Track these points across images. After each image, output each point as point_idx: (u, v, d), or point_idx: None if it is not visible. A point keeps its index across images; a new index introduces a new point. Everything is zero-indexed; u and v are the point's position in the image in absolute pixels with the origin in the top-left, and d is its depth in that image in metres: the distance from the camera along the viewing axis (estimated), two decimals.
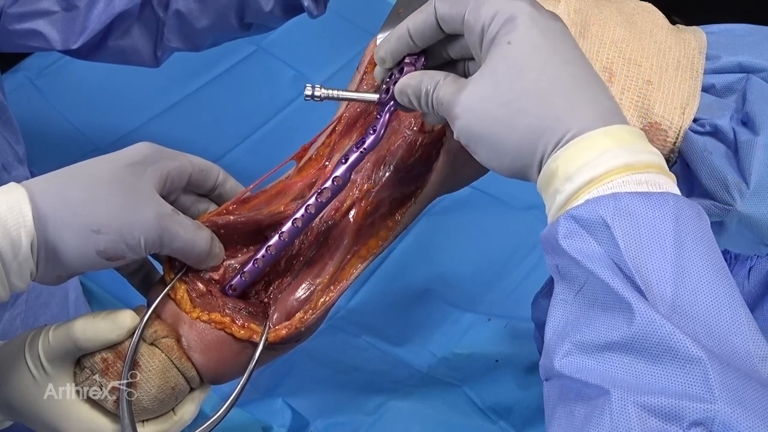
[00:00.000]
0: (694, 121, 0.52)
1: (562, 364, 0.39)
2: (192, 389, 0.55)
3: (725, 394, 0.34)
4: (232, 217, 0.57)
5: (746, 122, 0.51)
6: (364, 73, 0.58)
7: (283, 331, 0.56)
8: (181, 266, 0.56)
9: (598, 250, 0.39)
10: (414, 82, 0.49)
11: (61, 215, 0.48)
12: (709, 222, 0.41)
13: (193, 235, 0.53)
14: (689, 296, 0.37)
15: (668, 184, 0.41)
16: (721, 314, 0.37)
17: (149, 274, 0.60)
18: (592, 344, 0.38)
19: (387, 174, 0.58)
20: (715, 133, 0.51)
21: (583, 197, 0.41)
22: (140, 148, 0.54)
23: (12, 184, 0.49)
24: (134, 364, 0.52)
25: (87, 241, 0.49)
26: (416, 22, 0.50)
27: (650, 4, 0.57)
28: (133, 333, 0.53)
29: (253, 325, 0.55)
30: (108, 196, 0.50)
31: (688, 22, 0.57)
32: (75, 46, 0.80)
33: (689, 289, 0.37)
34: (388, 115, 0.53)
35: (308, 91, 0.53)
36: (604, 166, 0.41)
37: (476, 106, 0.45)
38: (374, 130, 0.53)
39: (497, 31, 0.45)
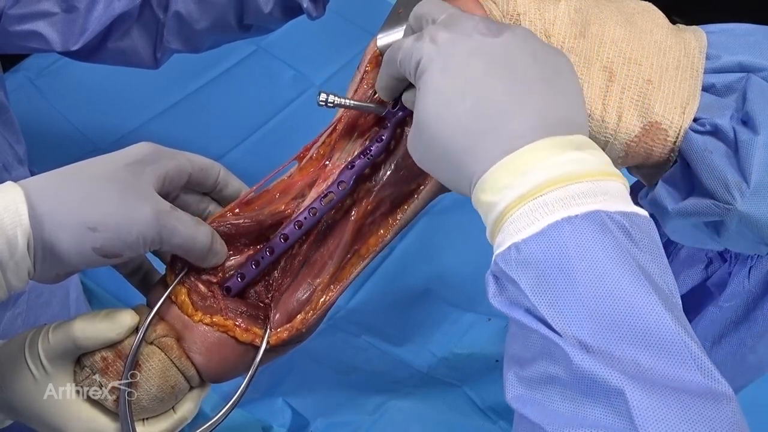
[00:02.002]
0: (695, 120, 0.52)
1: (511, 398, 0.40)
2: (192, 388, 0.56)
3: (650, 422, 0.34)
4: (235, 221, 0.57)
5: (746, 121, 0.51)
6: (365, 72, 0.58)
7: (285, 334, 0.56)
8: (181, 269, 0.56)
9: (517, 304, 0.40)
10: (410, 97, 0.51)
11: (57, 214, 0.48)
12: (623, 226, 0.40)
13: (193, 230, 0.53)
14: (608, 321, 0.37)
15: (570, 196, 0.40)
16: (644, 326, 0.37)
17: (149, 273, 0.60)
18: (532, 379, 0.39)
19: (388, 173, 0.58)
20: (716, 132, 0.51)
21: (497, 240, 0.42)
22: (140, 148, 0.54)
23: (8, 183, 0.49)
24: (134, 364, 0.52)
25: (83, 239, 0.49)
26: (381, 80, 0.52)
27: (650, 4, 0.57)
28: (133, 332, 0.53)
29: (255, 329, 0.55)
30: (105, 194, 0.50)
31: (688, 22, 0.57)
32: (75, 48, 0.80)
33: (606, 314, 0.37)
34: (394, 125, 0.56)
35: (322, 98, 0.55)
36: (502, 204, 0.41)
37: (411, 150, 0.48)
38: (381, 139, 0.56)
39: (415, 80, 0.47)
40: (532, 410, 0.38)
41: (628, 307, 0.37)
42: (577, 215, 0.39)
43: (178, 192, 0.56)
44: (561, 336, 0.38)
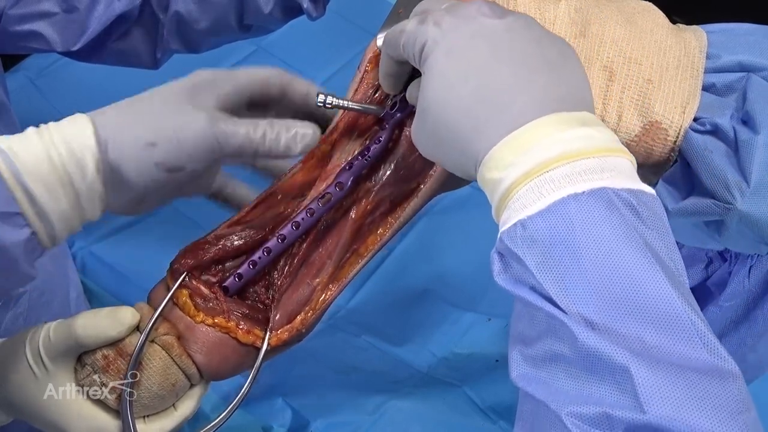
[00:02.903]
0: (695, 120, 0.52)
1: (516, 376, 0.40)
2: (192, 385, 0.56)
3: (656, 400, 0.34)
4: (242, 232, 0.57)
5: (746, 121, 0.51)
6: (365, 72, 0.58)
7: (285, 335, 0.56)
8: (182, 272, 0.56)
9: (522, 281, 0.40)
10: (414, 91, 0.51)
11: (118, 134, 0.50)
12: (629, 203, 0.39)
13: (250, 128, 0.52)
14: (613, 298, 0.37)
15: (576, 173, 0.40)
16: (650, 304, 0.37)
17: (232, 190, 0.61)
18: (537, 357, 0.39)
19: (388, 172, 0.58)
20: (716, 132, 0.51)
21: (503, 217, 0.42)
22: (197, 74, 0.54)
23: (77, 115, 0.51)
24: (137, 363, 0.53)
25: (145, 155, 0.50)
26: (383, 67, 0.52)
27: (650, 4, 0.57)
28: (133, 330, 0.53)
29: (256, 330, 0.56)
30: (162, 111, 0.51)
31: (688, 22, 0.57)
32: (75, 48, 0.80)
33: (612, 292, 0.37)
34: (392, 127, 0.56)
35: (320, 99, 0.55)
36: (508, 181, 0.41)
37: (415, 138, 0.48)
38: (379, 141, 0.56)
39: (419, 63, 0.46)
40: (537, 388, 0.38)
41: (634, 285, 0.37)
42: (583, 192, 0.39)
43: (243, 112, 0.55)
44: (566, 313, 0.38)
